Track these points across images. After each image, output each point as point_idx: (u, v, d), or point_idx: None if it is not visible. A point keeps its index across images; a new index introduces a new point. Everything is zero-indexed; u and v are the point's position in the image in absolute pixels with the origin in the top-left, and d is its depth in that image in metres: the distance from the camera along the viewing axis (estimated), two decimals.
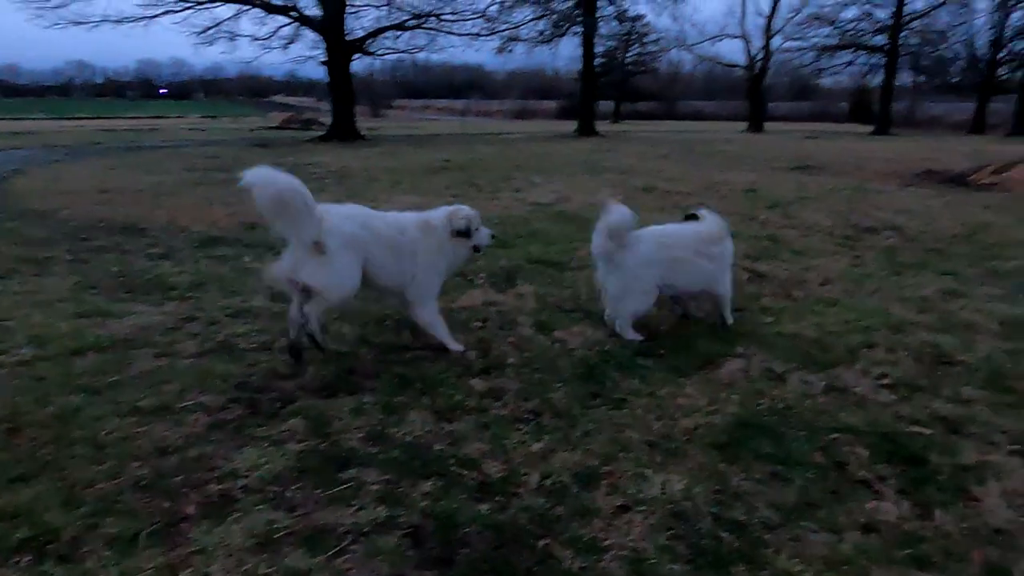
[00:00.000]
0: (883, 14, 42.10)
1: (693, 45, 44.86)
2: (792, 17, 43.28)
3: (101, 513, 2.51)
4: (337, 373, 3.84)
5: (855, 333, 4.53)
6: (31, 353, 4.00)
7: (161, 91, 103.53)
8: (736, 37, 44.19)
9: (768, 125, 45.10)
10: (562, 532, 2.44)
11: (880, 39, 42.86)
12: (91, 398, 3.44)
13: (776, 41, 43.82)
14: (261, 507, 2.57)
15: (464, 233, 4.18)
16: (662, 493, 2.65)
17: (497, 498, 2.66)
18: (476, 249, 4.34)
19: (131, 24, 25.15)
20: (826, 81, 55.79)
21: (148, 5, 24.74)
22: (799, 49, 45.05)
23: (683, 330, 4.62)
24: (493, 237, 4.47)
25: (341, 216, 3.86)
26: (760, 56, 44.11)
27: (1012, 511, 2.59)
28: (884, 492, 2.70)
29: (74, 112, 59.77)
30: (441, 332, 4.18)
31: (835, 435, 3.13)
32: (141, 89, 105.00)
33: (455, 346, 4.16)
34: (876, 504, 2.61)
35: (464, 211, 4.25)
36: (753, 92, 45.30)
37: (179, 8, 25.16)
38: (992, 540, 2.43)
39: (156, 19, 25.23)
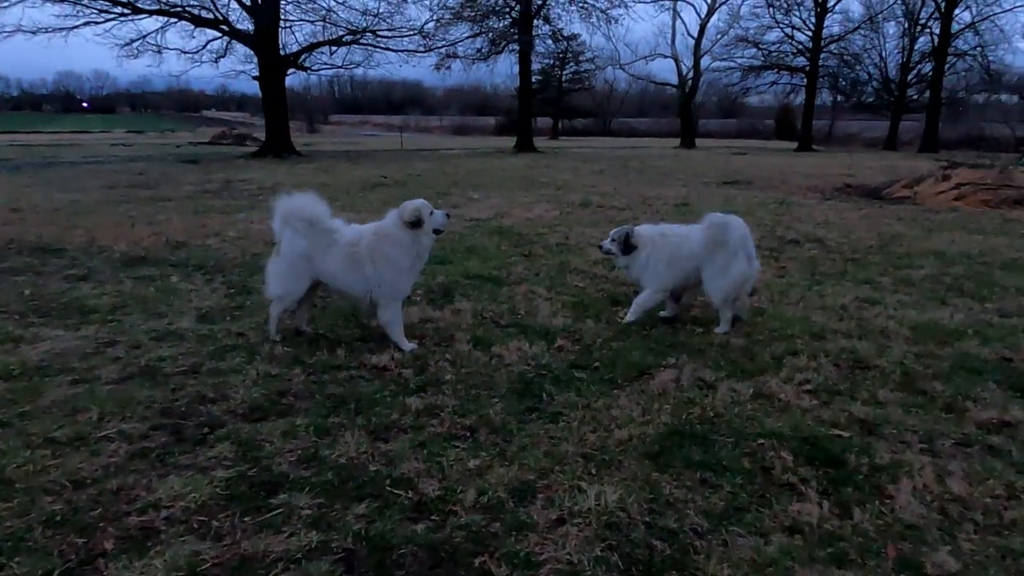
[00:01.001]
0: (803, 37, 44.50)
1: (626, 64, 46.06)
2: (719, 39, 45.21)
3: (8, 552, 2.36)
4: (267, 395, 3.73)
5: (780, 341, 4.72)
6: None
7: (84, 104, 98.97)
8: (667, 57, 45.73)
9: (699, 142, 46.78)
10: (498, 548, 2.44)
11: (801, 60, 45.27)
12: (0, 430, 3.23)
13: (705, 61, 45.60)
14: (185, 538, 2.47)
15: (416, 224, 4.40)
16: (597, 504, 2.68)
17: (433, 517, 2.63)
18: (436, 232, 4.55)
19: (48, 35, 23.99)
20: (753, 100, 58.47)
21: (67, 16, 23.70)
22: (727, 69, 47.08)
23: (617, 342, 4.70)
24: (448, 216, 4.68)
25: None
26: (690, 75, 45.75)
27: (923, 507, 2.74)
28: (807, 494, 2.81)
29: None
30: (396, 332, 4.48)
31: (761, 441, 3.24)
32: (61, 103, 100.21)
33: (407, 345, 4.46)
34: (800, 506, 2.71)
35: (411, 204, 4.48)
36: (684, 110, 46.90)
37: (101, 20, 24.19)
38: (905, 535, 2.56)
39: (76, 30, 24.17)
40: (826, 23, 43.71)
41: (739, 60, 46.16)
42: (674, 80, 47.51)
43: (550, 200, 12.78)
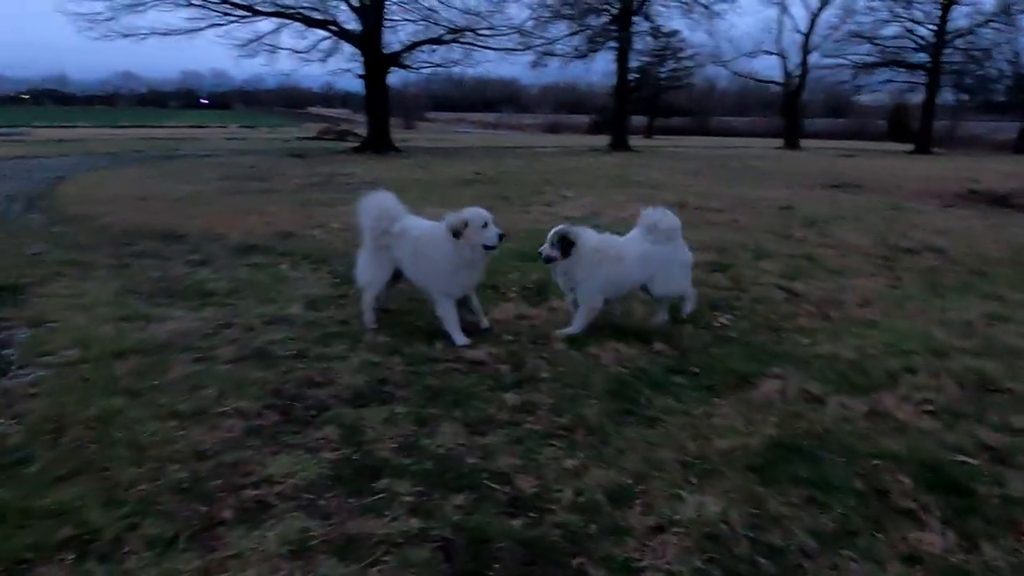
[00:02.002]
0: (925, 31, 41.36)
1: (728, 61, 44.39)
2: (830, 34, 42.74)
3: (141, 514, 2.56)
4: (369, 382, 3.87)
5: (895, 356, 4.42)
6: (76, 355, 4.11)
7: (202, 101, 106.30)
8: (772, 54, 43.79)
9: (804, 142, 44.53)
10: (595, 551, 2.42)
11: (921, 57, 42.10)
12: (132, 401, 3.52)
13: (814, 58, 43.31)
14: (295, 514, 2.59)
15: (457, 234, 4.42)
16: (697, 515, 2.61)
17: (530, 514, 2.64)
18: (487, 248, 4.49)
19: (177, 37, 25.88)
20: (864, 98, 54.96)
21: (194, 19, 25.48)
22: (837, 66, 44.39)
23: (717, 348, 4.55)
24: (502, 237, 4.59)
25: None
26: (797, 73, 43.62)
27: None
28: (928, 522, 2.62)
29: (118, 121, 61.67)
30: (449, 326, 4.59)
31: (876, 461, 3.05)
32: (183, 99, 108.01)
33: (460, 339, 4.50)
34: (920, 535, 2.53)
35: (458, 215, 4.52)
36: (789, 109, 44.79)
37: (223, 22, 25.85)
38: None
39: (201, 32, 25.95)
40: (951, 16, 40.46)
41: (851, 56, 43.42)
42: (779, 77, 45.49)
43: (645, 200, 12.47)
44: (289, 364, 4.10)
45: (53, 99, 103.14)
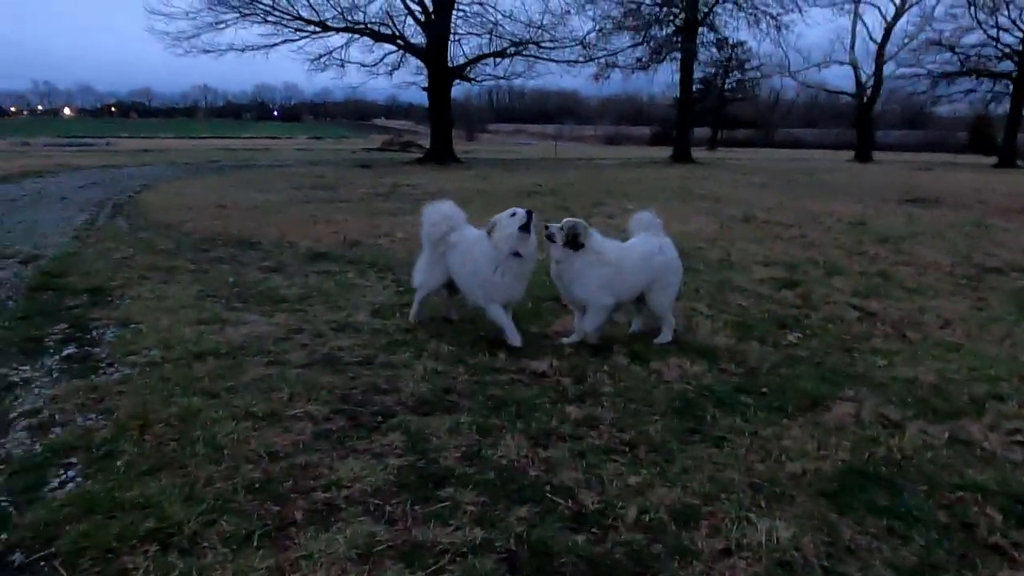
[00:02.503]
0: (1012, 39, 39.23)
1: (797, 72, 43.19)
2: (907, 43, 41.07)
3: (218, 511, 2.67)
4: (434, 390, 3.92)
5: (981, 382, 4.19)
6: (159, 355, 4.33)
7: (275, 113, 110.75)
8: (844, 64, 42.37)
9: (876, 154, 42.90)
10: (661, 571, 2.37)
11: (1007, 65, 39.95)
12: (210, 401, 3.67)
13: (888, 68, 41.69)
14: (363, 519, 2.65)
15: (491, 231, 4.59)
16: (768, 540, 2.53)
17: (593, 530, 2.62)
18: (516, 255, 4.56)
19: (253, 52, 27.10)
20: (942, 109, 52.37)
21: (269, 35, 26.65)
22: (913, 76, 42.60)
23: (786, 368, 4.42)
24: (532, 224, 4.60)
25: None
26: (870, 83, 42.07)
27: None
28: (1021, 560, 2.46)
29: (196, 132, 64.90)
30: (503, 328, 4.68)
31: (961, 493, 2.89)
32: (257, 111, 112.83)
33: (516, 339, 4.63)
34: (1012, 572, 2.38)
35: (501, 216, 4.62)
36: (861, 120, 43.27)
37: (296, 38, 26.96)
38: None
39: (275, 47, 27.09)
40: None
41: (929, 66, 41.59)
42: (850, 88, 43.96)
43: (708, 213, 12.33)
44: (356, 370, 4.20)
45: (138, 111, 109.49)
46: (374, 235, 9.17)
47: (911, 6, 40.05)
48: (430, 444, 3.27)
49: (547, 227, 4.65)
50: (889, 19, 40.60)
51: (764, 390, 4.01)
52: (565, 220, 4.70)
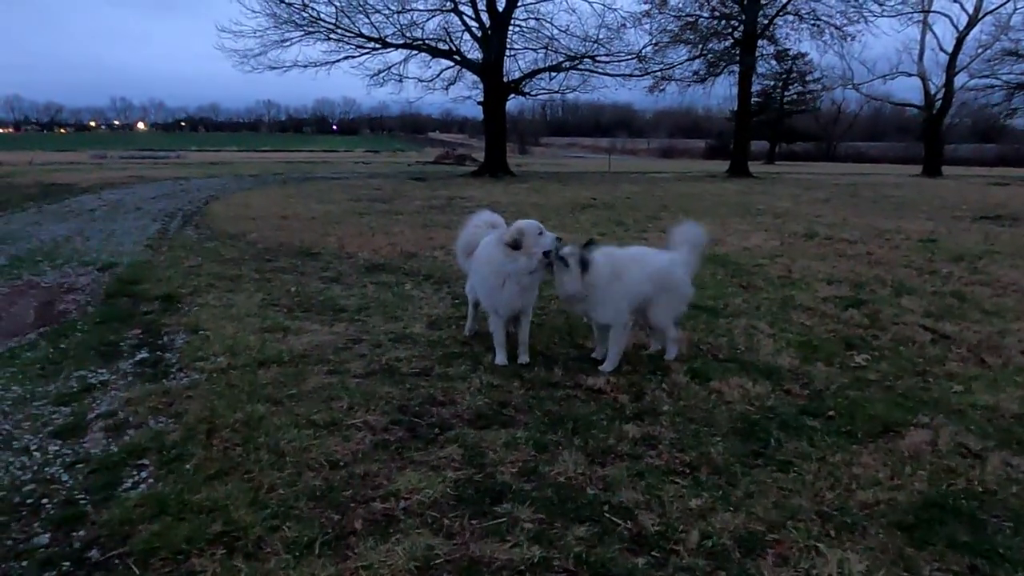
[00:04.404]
0: None
1: (861, 84, 41.83)
2: (981, 53, 39.26)
3: (281, 517, 2.72)
4: (490, 404, 3.92)
5: None
6: (225, 362, 4.47)
7: (333, 127, 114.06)
8: (911, 75, 40.80)
9: (946, 169, 41.09)
10: None
11: None
12: (273, 408, 3.77)
13: (960, 79, 39.86)
14: (421, 531, 2.65)
15: (514, 245, 4.35)
16: (839, 572, 2.41)
17: (654, 553, 2.55)
18: (545, 255, 4.37)
19: (316, 69, 28.00)
20: (1018, 122, 49.82)
21: (331, 51, 27.49)
22: (987, 87, 40.66)
23: (855, 391, 4.24)
24: (559, 240, 4.45)
25: None
26: (939, 95, 40.38)
27: None
28: None
29: (260, 145, 67.38)
30: (495, 340, 4.64)
31: None
32: (317, 125, 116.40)
33: (500, 359, 4.57)
34: None
35: (517, 224, 4.45)
36: (929, 133, 41.48)
37: (357, 54, 27.73)
38: None
39: (337, 64, 27.91)
40: None
41: (1005, 76, 39.61)
42: (918, 100, 42.27)
43: (769, 229, 12.02)
44: (414, 381, 4.24)
45: (206, 126, 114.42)
46: (430, 247, 9.29)
47: (985, 15, 38.34)
48: (487, 458, 3.26)
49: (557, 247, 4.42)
50: (961, 28, 38.92)
51: (831, 413, 3.86)
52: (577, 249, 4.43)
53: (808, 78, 53.55)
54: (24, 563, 2.49)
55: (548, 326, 5.51)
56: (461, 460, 3.24)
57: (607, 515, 2.80)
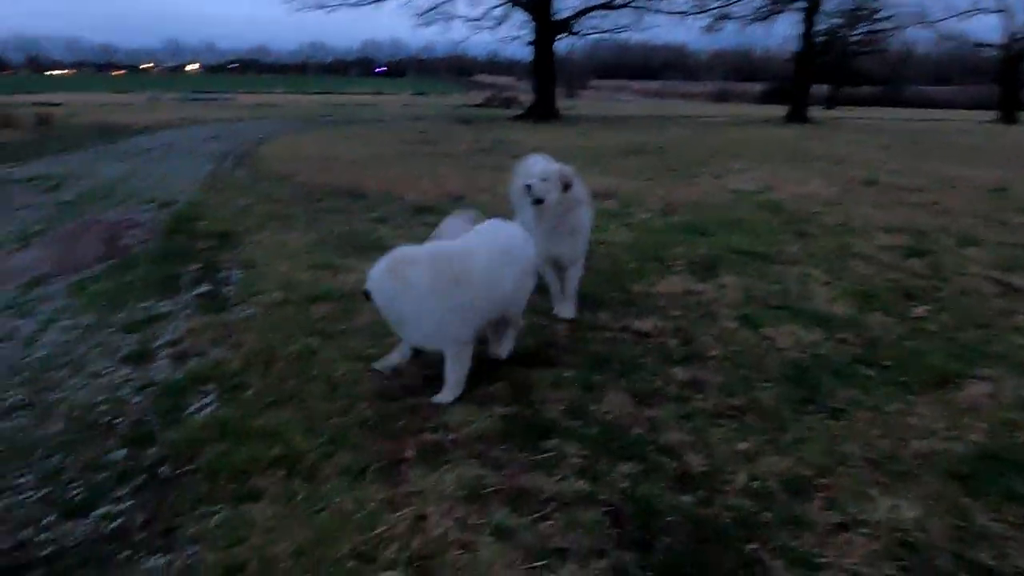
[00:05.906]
0: None
1: (937, 22, 38.97)
2: None
3: (336, 443, 2.83)
4: (537, 343, 3.95)
5: None
6: (279, 297, 4.60)
7: (378, 69, 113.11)
8: (992, 12, 37.88)
9: None
10: (771, 540, 2.31)
11: None
12: (325, 342, 3.88)
13: None
14: (470, 462, 2.73)
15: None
16: (889, 517, 2.39)
17: (699, 491, 2.57)
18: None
19: (364, 7, 27.63)
20: None
21: None
22: None
23: (911, 340, 4.11)
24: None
25: None
26: (1022, 33, 37.50)
27: None
28: None
29: (307, 88, 67.51)
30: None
31: None
32: (363, 67, 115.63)
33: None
34: None
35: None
36: (1007, 76, 38.77)
37: None
38: None
39: (385, 1, 27.47)
40: None
41: None
42: (995, 39, 39.37)
43: (826, 176, 11.54)
44: None
45: (255, 68, 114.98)
46: (476, 189, 9.25)
47: None
48: (534, 396, 3.31)
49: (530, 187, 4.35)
50: None
51: (887, 363, 3.76)
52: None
53: (878, 15, 50.20)
54: (104, 475, 2.66)
55: (594, 269, 5.46)
56: (508, 397, 3.30)
57: (653, 454, 2.83)
